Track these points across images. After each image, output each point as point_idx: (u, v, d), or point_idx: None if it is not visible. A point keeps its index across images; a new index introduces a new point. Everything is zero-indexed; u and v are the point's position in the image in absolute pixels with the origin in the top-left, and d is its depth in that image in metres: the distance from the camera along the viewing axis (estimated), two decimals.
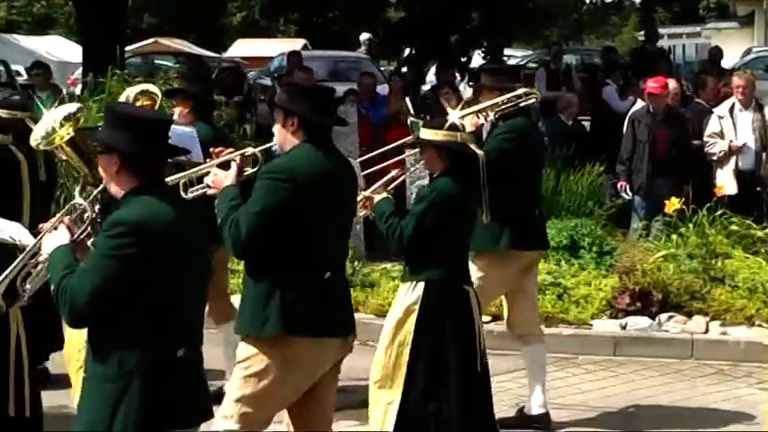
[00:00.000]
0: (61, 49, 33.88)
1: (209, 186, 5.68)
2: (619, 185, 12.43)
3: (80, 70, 18.72)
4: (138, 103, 7.49)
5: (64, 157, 6.45)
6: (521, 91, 7.39)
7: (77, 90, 16.66)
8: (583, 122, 15.32)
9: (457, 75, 19.19)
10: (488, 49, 21.24)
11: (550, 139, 12.51)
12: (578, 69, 22.47)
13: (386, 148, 7.50)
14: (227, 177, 5.55)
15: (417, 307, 6.27)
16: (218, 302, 7.81)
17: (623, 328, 9.90)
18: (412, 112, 7.26)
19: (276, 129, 5.48)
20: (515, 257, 7.46)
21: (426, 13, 20.28)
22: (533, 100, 7.47)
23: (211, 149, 5.96)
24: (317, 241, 5.23)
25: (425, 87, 20.28)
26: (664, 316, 9.99)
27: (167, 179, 5.80)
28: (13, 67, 25.93)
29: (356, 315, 9.89)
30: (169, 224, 4.34)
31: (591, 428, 8.00)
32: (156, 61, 26.56)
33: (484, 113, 7.29)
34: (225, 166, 5.66)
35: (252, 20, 45.76)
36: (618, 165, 12.44)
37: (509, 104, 7.31)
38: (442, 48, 20.25)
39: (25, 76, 25.01)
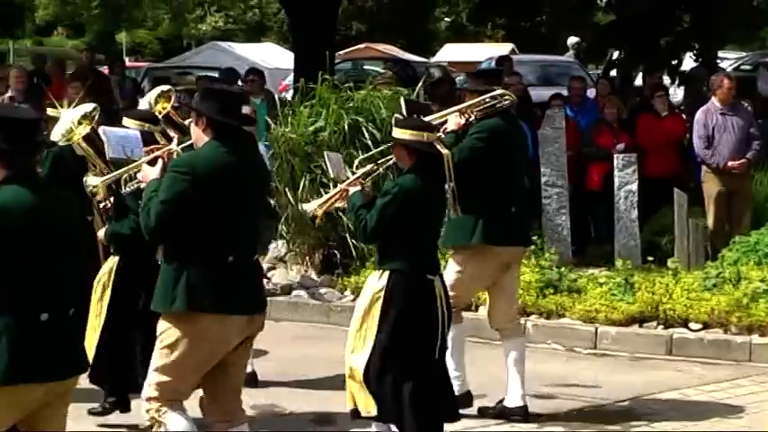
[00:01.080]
0: (274, 56, 34.67)
1: (140, 180, 6.50)
2: None
3: (291, 76, 19.12)
4: (158, 105, 8.37)
5: (81, 152, 7.77)
6: (495, 93, 7.76)
7: (288, 95, 17.03)
8: None
9: (667, 78, 18.83)
10: (700, 51, 20.75)
11: (766, 140, 12.16)
12: None
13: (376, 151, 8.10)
14: (153, 172, 6.21)
15: (382, 295, 6.65)
16: None
17: None
18: (405, 113, 7.75)
19: (192, 127, 6.15)
20: (492, 253, 7.76)
21: (636, 15, 19.97)
22: (508, 101, 7.81)
23: (145, 148, 6.89)
24: (219, 228, 5.80)
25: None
26: None
27: (111, 175, 7.05)
28: None
29: (562, 320, 10.05)
30: (30, 208, 4.96)
31: None
32: (366, 66, 26.95)
33: (466, 114, 7.73)
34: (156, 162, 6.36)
35: (459, 24, 45.94)
36: None
37: (486, 105, 7.74)
38: (651, 51, 19.90)
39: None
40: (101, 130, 7.65)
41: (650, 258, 11.36)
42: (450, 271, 7.77)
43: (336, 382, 8.45)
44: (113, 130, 7.53)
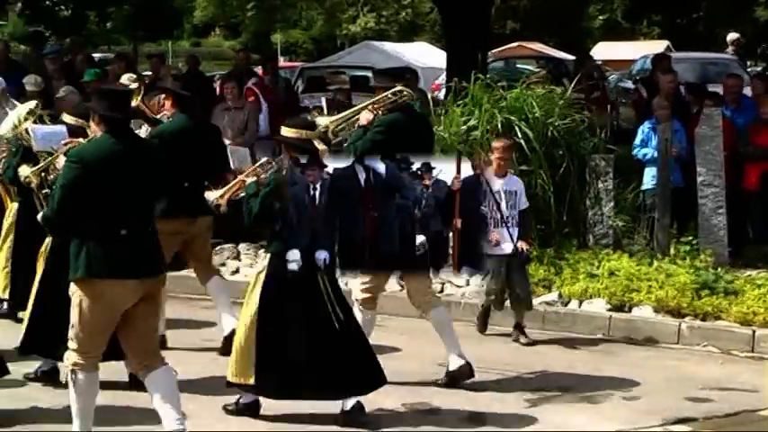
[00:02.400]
0: (427, 55, 34.78)
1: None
2: None
3: (444, 75, 19.15)
4: (134, 85, 9.78)
5: (27, 143, 8.90)
6: (395, 89, 8.51)
7: (441, 95, 17.05)
8: None
9: None
10: None
11: None
12: None
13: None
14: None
15: (263, 275, 7.58)
16: (202, 265, 9.66)
17: None
18: (325, 111, 8.80)
19: (91, 123, 7.19)
20: None
21: None
22: (407, 97, 8.53)
23: (63, 141, 8.14)
24: (110, 207, 6.79)
25: None
26: None
27: (38, 166, 8.50)
28: None
29: (718, 323, 9.88)
30: None
31: None
32: (518, 65, 26.83)
33: (375, 110, 8.46)
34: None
35: (614, 22, 45.46)
36: None
37: (388, 101, 8.50)
38: None
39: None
40: (29, 127, 8.89)
41: None
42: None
43: (482, 382, 8.48)
44: (41, 128, 8.84)
